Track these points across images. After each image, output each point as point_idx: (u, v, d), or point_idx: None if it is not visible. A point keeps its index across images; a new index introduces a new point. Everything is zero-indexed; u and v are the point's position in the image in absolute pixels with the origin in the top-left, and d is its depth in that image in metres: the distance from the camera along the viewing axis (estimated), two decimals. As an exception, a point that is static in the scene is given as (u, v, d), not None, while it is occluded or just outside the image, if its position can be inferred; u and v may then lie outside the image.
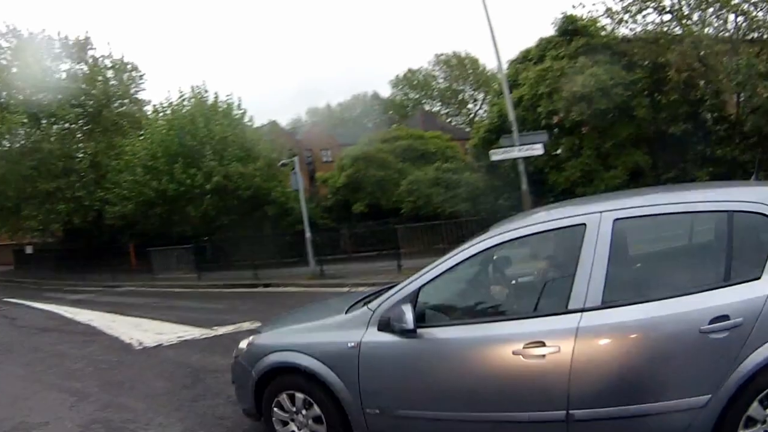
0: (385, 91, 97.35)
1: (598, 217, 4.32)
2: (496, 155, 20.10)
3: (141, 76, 39.89)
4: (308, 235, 22.81)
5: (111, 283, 28.66)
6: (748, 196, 4.19)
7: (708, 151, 23.72)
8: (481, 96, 76.03)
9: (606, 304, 4.10)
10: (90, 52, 38.47)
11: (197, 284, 24.97)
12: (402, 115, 76.41)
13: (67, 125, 37.70)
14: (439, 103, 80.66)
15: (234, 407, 6.64)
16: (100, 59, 38.61)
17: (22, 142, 36.49)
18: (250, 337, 6.00)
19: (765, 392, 3.78)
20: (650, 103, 24.94)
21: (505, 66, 25.05)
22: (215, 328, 12.70)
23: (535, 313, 4.52)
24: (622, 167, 24.56)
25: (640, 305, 4.06)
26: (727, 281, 3.97)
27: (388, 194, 33.48)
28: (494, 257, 5.29)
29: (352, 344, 4.86)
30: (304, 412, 5.28)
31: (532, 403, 4.22)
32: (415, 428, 4.77)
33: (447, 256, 4.86)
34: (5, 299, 25.31)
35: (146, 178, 31.32)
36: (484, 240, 4.77)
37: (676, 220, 4.64)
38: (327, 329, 5.30)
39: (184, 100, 33.92)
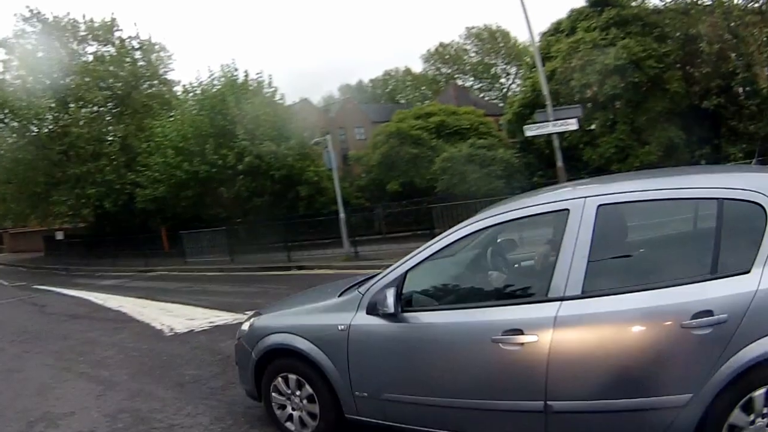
0: (417, 67, 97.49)
1: (582, 202, 4.20)
2: (531, 130, 20.08)
3: (169, 56, 40.12)
4: (342, 215, 22.38)
5: (142, 268, 28.76)
6: (740, 183, 3.91)
7: (741, 126, 23.36)
8: (513, 70, 76.15)
9: (586, 294, 3.99)
10: (117, 34, 38.63)
11: (230, 267, 24.83)
12: (434, 90, 76.68)
13: (95, 108, 37.88)
14: (472, 78, 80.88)
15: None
16: (127, 40, 38.75)
17: (51, 126, 36.72)
18: (252, 319, 6.13)
19: (748, 397, 3.55)
20: (683, 76, 24.86)
21: (536, 38, 24.74)
22: (247, 312, 12.31)
23: (516, 300, 4.47)
24: (656, 143, 24.65)
25: (621, 296, 3.91)
26: (714, 274, 3.74)
27: (422, 172, 33.22)
28: (480, 241, 5.33)
29: (342, 327, 4.97)
30: (298, 392, 5.41)
31: (511, 392, 4.20)
32: (400, 413, 4.78)
33: (433, 240, 4.90)
34: (35, 286, 25.77)
35: (177, 159, 31.35)
36: (468, 225, 4.75)
37: (664, 207, 4.46)
38: (321, 312, 5.40)
39: (214, 79, 33.82)
